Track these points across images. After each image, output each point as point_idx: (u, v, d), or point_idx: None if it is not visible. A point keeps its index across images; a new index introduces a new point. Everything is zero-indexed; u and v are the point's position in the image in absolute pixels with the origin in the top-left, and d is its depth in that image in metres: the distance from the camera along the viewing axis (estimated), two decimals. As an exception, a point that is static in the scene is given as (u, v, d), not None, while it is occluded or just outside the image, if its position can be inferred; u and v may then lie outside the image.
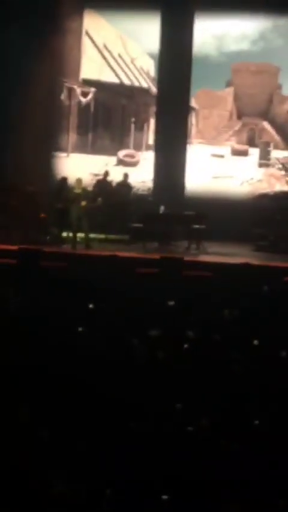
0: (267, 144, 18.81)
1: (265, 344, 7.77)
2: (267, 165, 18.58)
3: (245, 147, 19.07)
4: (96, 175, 17.52)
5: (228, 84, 19.21)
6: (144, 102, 19.28)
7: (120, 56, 19.02)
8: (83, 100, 18.51)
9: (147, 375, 6.59)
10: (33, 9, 16.52)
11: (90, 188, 16.27)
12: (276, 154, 18.67)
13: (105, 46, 18.76)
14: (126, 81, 19.19)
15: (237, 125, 19.30)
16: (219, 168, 18.60)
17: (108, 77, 18.89)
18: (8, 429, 5.29)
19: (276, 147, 18.76)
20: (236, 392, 6.31)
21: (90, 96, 18.57)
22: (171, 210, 15.76)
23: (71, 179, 15.79)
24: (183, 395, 6.19)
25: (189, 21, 17.27)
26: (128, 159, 18.71)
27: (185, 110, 17.88)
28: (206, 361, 6.97)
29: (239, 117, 19.32)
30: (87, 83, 18.61)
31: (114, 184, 17.19)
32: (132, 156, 18.80)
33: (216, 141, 19.11)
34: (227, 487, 4.84)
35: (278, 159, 18.56)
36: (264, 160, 18.65)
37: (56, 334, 7.65)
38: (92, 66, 18.72)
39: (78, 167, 17.60)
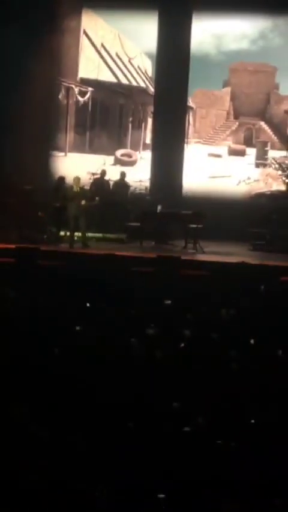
0: (264, 144, 18.85)
1: (262, 343, 7.79)
2: (264, 165, 18.63)
3: (242, 146, 19.12)
4: (93, 174, 17.56)
5: (226, 83, 19.26)
6: (142, 102, 19.33)
7: (118, 55, 19.06)
8: (81, 99, 18.55)
9: (145, 373, 6.61)
10: (31, 9, 16.53)
11: (87, 187, 16.30)
12: (273, 154, 18.72)
13: (103, 46, 18.80)
14: (124, 81, 19.24)
15: (234, 125, 19.36)
16: (216, 168, 18.64)
17: (106, 77, 18.93)
18: (5, 428, 5.30)
19: (273, 147, 18.81)
20: (233, 391, 6.33)
21: (88, 96, 18.61)
22: (168, 209, 15.79)
23: (69, 178, 15.81)
24: (180, 394, 6.21)
25: (187, 20, 17.28)
26: (125, 158, 18.75)
27: (182, 109, 17.89)
28: (203, 360, 6.99)
29: (236, 116, 19.38)
30: (85, 82, 18.64)
31: (111, 183, 17.21)
32: (129, 155, 18.84)
33: (213, 141, 19.16)
34: (225, 486, 4.86)
35: (274, 158, 18.60)
36: (261, 160, 18.70)
37: (53, 333, 7.66)
38: (89, 66, 18.75)
39: (76, 166, 17.63)
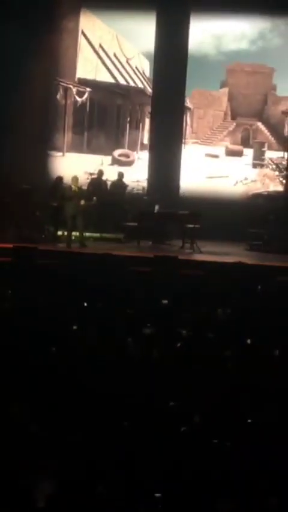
0: (262, 145, 18.89)
1: (258, 343, 7.81)
2: (261, 166, 18.67)
3: (239, 147, 19.15)
4: (91, 174, 17.58)
5: (223, 84, 19.28)
6: (140, 102, 19.35)
7: (115, 56, 19.08)
8: (79, 99, 18.56)
9: (141, 373, 6.62)
10: (30, 9, 16.54)
11: (85, 187, 16.32)
12: (270, 154, 18.75)
13: (101, 46, 18.81)
14: (122, 81, 19.27)
15: (232, 125, 19.38)
16: (214, 168, 18.67)
17: (104, 77, 18.95)
18: (5, 428, 5.32)
19: (270, 148, 18.84)
20: (229, 390, 6.34)
21: (85, 96, 18.62)
22: (165, 209, 15.82)
23: (67, 178, 15.83)
24: (177, 393, 6.23)
25: (185, 21, 17.30)
26: (123, 159, 18.77)
27: (179, 109, 17.92)
28: (199, 360, 7.01)
29: (234, 117, 19.40)
30: (83, 82, 18.65)
31: (109, 183, 17.23)
32: (127, 156, 18.86)
33: (211, 141, 19.18)
34: (221, 485, 4.87)
35: (271, 159, 18.64)
36: (258, 160, 18.73)
37: (50, 332, 7.67)
38: (88, 66, 18.77)
39: (73, 166, 17.65)
